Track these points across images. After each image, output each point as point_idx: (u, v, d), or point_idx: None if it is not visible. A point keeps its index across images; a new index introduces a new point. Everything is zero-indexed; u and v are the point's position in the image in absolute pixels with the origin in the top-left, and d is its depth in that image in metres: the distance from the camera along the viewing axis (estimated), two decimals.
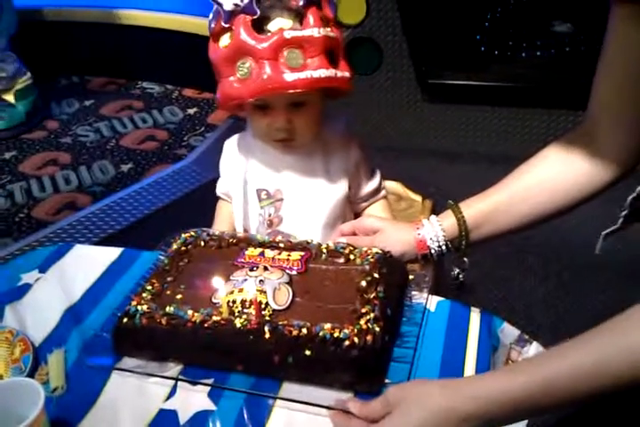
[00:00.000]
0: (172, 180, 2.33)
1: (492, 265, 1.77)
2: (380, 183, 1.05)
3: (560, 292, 1.71)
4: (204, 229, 0.91)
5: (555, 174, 0.82)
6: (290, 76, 0.82)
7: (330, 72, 0.84)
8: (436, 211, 1.15)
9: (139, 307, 0.75)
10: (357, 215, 1.06)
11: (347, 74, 0.88)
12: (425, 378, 0.69)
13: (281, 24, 0.85)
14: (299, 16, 0.85)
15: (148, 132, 2.68)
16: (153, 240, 1.94)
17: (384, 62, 2.20)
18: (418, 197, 1.13)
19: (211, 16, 0.87)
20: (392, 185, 1.11)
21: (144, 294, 0.77)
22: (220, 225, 1.09)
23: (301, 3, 0.84)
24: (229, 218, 1.06)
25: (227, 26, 0.84)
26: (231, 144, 1.05)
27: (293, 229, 0.97)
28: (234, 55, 0.84)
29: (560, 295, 1.69)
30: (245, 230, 1.01)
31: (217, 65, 0.88)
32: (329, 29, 0.86)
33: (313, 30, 0.83)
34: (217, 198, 1.11)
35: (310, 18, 0.84)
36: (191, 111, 2.82)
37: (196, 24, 2.68)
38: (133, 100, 2.94)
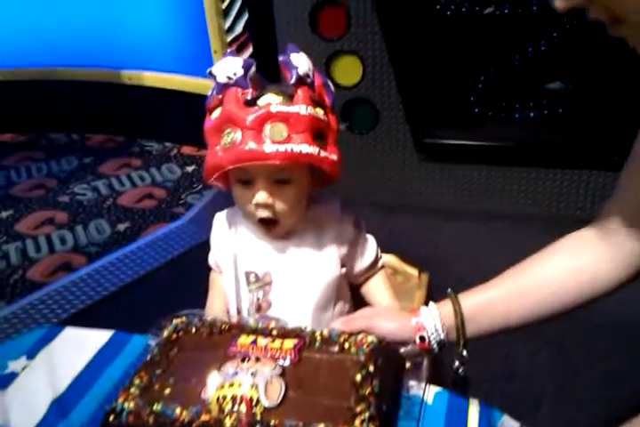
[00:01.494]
0: (169, 239, 2.32)
1: None
2: (377, 256, 1.03)
3: (561, 360, 1.67)
4: (196, 311, 0.89)
5: (564, 270, 0.81)
6: (270, 147, 0.82)
7: (312, 149, 0.84)
8: (432, 285, 1.14)
9: (125, 404, 0.72)
10: (356, 287, 1.04)
11: (333, 156, 0.87)
12: None
13: (270, 99, 0.86)
14: (292, 97, 0.86)
15: (146, 190, 2.70)
16: (150, 302, 1.93)
17: (380, 122, 2.23)
18: (414, 271, 1.11)
19: (210, 91, 0.89)
20: (388, 258, 1.10)
21: (132, 389, 0.74)
22: (215, 298, 1.07)
23: (292, 80, 0.85)
24: (222, 291, 1.03)
25: (220, 98, 0.86)
26: (221, 219, 1.03)
27: (283, 314, 0.94)
28: (221, 125, 0.85)
29: (561, 363, 1.65)
30: (238, 310, 0.99)
31: (207, 135, 0.88)
32: (321, 112, 0.87)
33: (300, 107, 0.84)
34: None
35: (299, 95, 0.85)
36: (189, 169, 2.84)
37: (194, 84, 2.73)
38: (132, 158, 2.97)
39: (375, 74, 2.13)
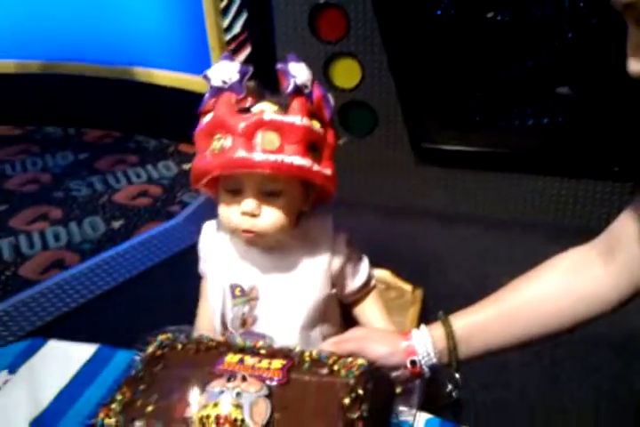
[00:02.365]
0: (163, 238, 2.30)
1: None
2: (369, 276, 1.00)
3: (554, 370, 1.66)
4: (183, 327, 0.87)
5: (560, 292, 0.79)
6: (260, 156, 0.79)
7: (305, 162, 0.81)
8: (427, 298, 1.12)
9: (106, 420, 0.71)
10: (346, 307, 1.02)
11: (327, 171, 0.85)
12: None
13: (265, 107, 0.83)
14: (287, 107, 0.83)
15: (142, 187, 2.68)
16: (142, 301, 1.91)
17: (378, 125, 2.21)
18: (408, 287, 1.10)
19: (206, 95, 0.86)
20: (381, 273, 1.08)
21: (113, 405, 0.73)
22: (205, 308, 1.04)
23: (289, 89, 0.82)
24: None
25: (212, 101, 0.83)
26: (209, 229, 1.00)
27: (268, 331, 0.92)
28: (212, 130, 0.83)
29: (554, 374, 1.64)
30: (223, 323, 0.96)
31: (197, 139, 0.86)
32: (318, 125, 0.84)
33: (295, 118, 0.81)
34: None
35: (295, 106, 0.82)
36: (186, 167, 2.82)
37: (192, 81, 2.71)
38: (128, 154, 2.94)
39: (374, 77, 2.11)
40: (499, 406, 1.53)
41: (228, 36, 2.53)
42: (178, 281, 2.02)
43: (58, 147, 3.03)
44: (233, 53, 2.54)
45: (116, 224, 2.43)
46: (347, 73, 2.13)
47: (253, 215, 0.84)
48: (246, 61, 2.38)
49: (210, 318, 1.02)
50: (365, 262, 1.00)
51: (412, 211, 2.29)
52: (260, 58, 2.20)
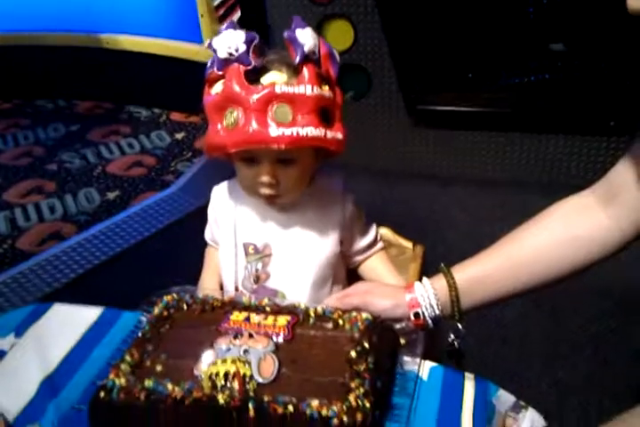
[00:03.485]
0: (159, 208, 2.30)
1: None
2: (376, 237, 1.02)
3: (553, 322, 1.68)
4: (188, 287, 0.87)
5: (560, 239, 0.79)
6: (275, 131, 0.79)
7: (319, 131, 0.81)
8: (426, 253, 1.13)
9: (116, 380, 0.71)
10: (352, 271, 1.03)
11: (339, 135, 0.85)
12: None
13: (275, 78, 0.83)
14: (296, 72, 0.82)
15: (136, 158, 2.66)
16: (141, 270, 1.91)
17: (372, 88, 2.19)
18: (409, 244, 1.10)
19: (209, 62, 0.85)
20: (381, 231, 1.08)
21: (122, 366, 0.73)
22: (209, 274, 1.07)
23: (298, 59, 0.81)
24: (217, 266, 1.03)
25: (220, 73, 0.82)
26: (220, 191, 1.02)
27: (281, 286, 0.94)
28: (223, 103, 0.82)
29: (553, 326, 1.66)
30: (234, 284, 0.98)
31: (207, 111, 0.86)
32: (326, 88, 0.84)
33: (307, 87, 0.80)
34: (203, 227, 1.08)
35: (305, 75, 0.81)
36: (179, 136, 2.80)
37: (182, 49, 2.67)
38: (120, 125, 2.91)
39: (367, 39, 2.08)
40: (498, 359, 1.56)
41: (217, 1, 2.48)
42: (175, 250, 2.03)
43: (49, 119, 2.99)
44: (222, 19, 2.50)
45: (112, 195, 2.42)
46: (339, 35, 2.10)
47: (271, 184, 0.87)
48: None
49: (213, 285, 1.03)
50: (373, 226, 1.02)
51: (407, 173, 2.30)
52: (250, 22, 2.16)
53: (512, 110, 2.11)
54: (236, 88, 0.80)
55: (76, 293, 1.87)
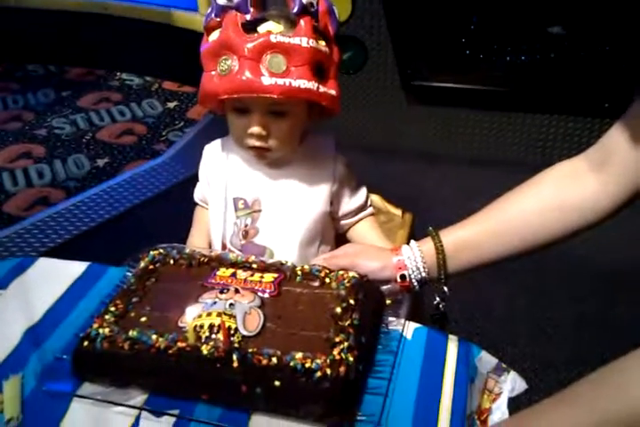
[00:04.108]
0: (149, 176, 2.29)
1: None
2: (366, 201, 1.02)
3: (538, 301, 1.69)
4: (175, 245, 0.87)
5: (549, 204, 0.79)
6: (267, 80, 0.80)
7: (311, 84, 0.81)
8: (415, 225, 1.13)
9: (100, 330, 0.71)
10: (341, 235, 1.03)
11: (332, 92, 0.85)
12: None
13: (271, 27, 0.82)
14: (294, 25, 0.82)
15: (126, 125, 2.63)
16: (128, 238, 1.91)
17: (368, 62, 2.17)
18: (397, 211, 1.10)
19: (209, 9, 0.85)
20: (371, 197, 1.08)
21: (107, 316, 0.73)
22: (197, 234, 1.07)
23: (295, 9, 0.81)
24: (206, 226, 1.03)
25: (219, 20, 0.82)
26: (212, 149, 1.02)
27: (269, 243, 0.94)
28: (218, 50, 0.83)
29: (538, 305, 1.68)
30: (222, 240, 0.98)
31: (203, 57, 0.86)
32: (323, 43, 0.84)
33: (302, 39, 0.80)
34: (193, 197, 1.08)
35: (302, 26, 0.81)
36: (171, 105, 2.77)
37: (178, 17, 2.62)
38: (112, 92, 2.88)
39: (365, 11, 2.06)
40: (482, 336, 1.57)
41: None
42: (164, 219, 2.02)
43: (39, 84, 2.95)
44: None
45: (101, 162, 2.40)
46: (336, 6, 2.06)
47: (261, 136, 0.86)
48: None
49: (202, 241, 1.03)
50: (364, 188, 1.02)
51: (400, 149, 2.29)
52: None
53: (508, 89, 2.10)
54: (232, 35, 0.81)
55: (62, 258, 1.86)
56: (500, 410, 0.75)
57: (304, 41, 0.80)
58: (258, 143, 0.88)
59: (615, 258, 1.74)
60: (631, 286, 1.66)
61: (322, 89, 0.83)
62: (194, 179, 1.07)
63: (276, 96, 0.80)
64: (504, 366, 0.77)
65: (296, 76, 0.80)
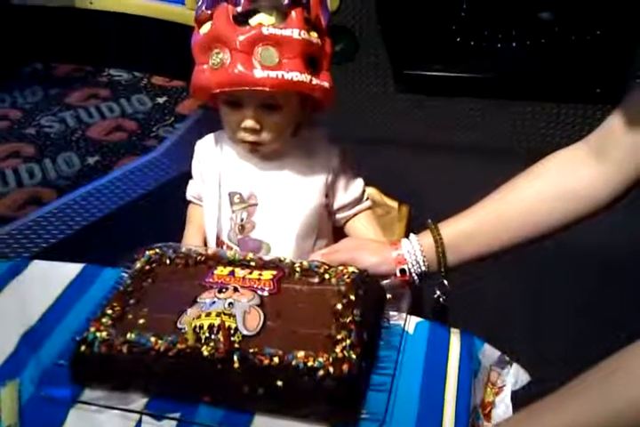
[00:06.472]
0: (141, 173, 2.27)
1: None
2: (363, 194, 1.00)
3: (533, 293, 1.69)
4: (171, 244, 0.86)
5: (548, 195, 0.78)
6: (260, 73, 0.79)
7: (304, 77, 0.80)
8: (412, 217, 1.12)
9: (97, 334, 0.70)
10: (338, 229, 1.02)
11: (325, 84, 0.84)
12: None
13: (263, 19, 0.81)
14: (285, 17, 0.81)
15: (116, 122, 2.61)
16: (122, 237, 1.89)
17: (359, 52, 2.15)
18: (394, 203, 1.09)
19: (200, 2, 0.84)
20: (368, 190, 1.07)
21: (103, 319, 0.72)
22: (192, 231, 1.05)
23: (286, 1, 0.80)
24: (201, 224, 1.02)
25: (210, 12, 0.81)
26: (204, 144, 1.01)
27: (266, 237, 0.93)
28: (210, 43, 0.81)
29: (533, 297, 1.68)
30: (217, 236, 0.97)
31: (194, 51, 0.85)
32: (315, 35, 0.82)
33: (293, 31, 0.79)
34: (186, 190, 1.07)
35: (293, 18, 0.80)
36: (160, 100, 2.75)
37: (166, 10, 2.60)
38: (100, 89, 2.85)
39: (354, 0, 2.03)
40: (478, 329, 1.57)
41: None
42: (157, 216, 2.01)
43: (26, 83, 2.92)
44: None
45: (92, 160, 2.38)
46: None
47: (254, 130, 0.86)
48: None
49: (198, 239, 1.02)
50: (360, 180, 1.00)
51: (393, 139, 2.27)
52: None
53: (499, 77, 2.09)
54: (223, 28, 0.79)
55: (54, 259, 1.84)
56: (503, 403, 0.75)
57: (295, 33, 0.79)
58: (251, 138, 0.87)
59: (616, 250, 1.74)
60: (630, 278, 1.66)
61: (315, 81, 0.82)
62: (186, 175, 1.05)
63: (268, 89, 0.79)
64: (507, 358, 0.76)
65: (288, 68, 0.79)
